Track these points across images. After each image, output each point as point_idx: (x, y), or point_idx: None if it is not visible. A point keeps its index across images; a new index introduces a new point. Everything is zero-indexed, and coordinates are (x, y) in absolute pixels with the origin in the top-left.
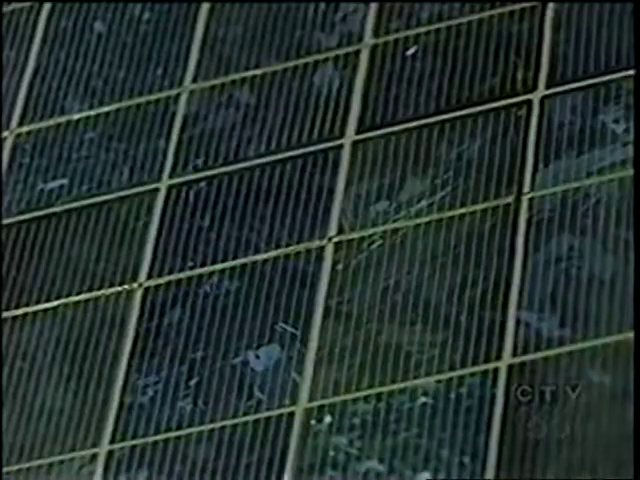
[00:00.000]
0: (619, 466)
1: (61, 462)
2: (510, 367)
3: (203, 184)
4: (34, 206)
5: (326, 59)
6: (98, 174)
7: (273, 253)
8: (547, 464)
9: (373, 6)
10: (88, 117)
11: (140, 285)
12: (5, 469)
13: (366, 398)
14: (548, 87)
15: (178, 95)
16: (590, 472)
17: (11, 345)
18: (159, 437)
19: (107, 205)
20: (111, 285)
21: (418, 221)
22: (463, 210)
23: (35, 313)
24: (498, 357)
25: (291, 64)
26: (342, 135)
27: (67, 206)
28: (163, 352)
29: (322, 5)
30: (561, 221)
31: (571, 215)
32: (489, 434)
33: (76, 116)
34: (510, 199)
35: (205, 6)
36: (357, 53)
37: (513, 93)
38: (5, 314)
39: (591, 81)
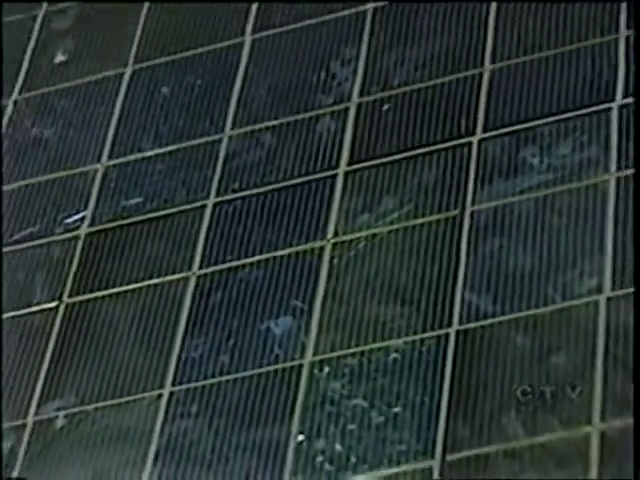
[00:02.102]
0: (538, 403)
1: (135, 400)
2: (457, 332)
3: (239, 202)
4: (118, 217)
5: (325, 113)
6: (164, 194)
7: (287, 251)
8: (485, 401)
9: (360, 76)
10: (157, 154)
11: (194, 273)
12: (97, 405)
13: (353, 354)
14: (484, 132)
15: (221, 139)
16: (515, 406)
17: (100, 317)
18: (206, 382)
19: (170, 217)
20: (172, 273)
21: (391, 228)
22: (422, 220)
23: (118, 294)
24: (449, 325)
25: (300, 117)
26: (337, 167)
27: (142, 217)
28: (209, 321)
29: (323, 74)
30: (494, 228)
31: (501, 224)
32: (443, 381)
33: (149, 153)
34: (457, 212)
35: (240, 76)
36: (347, 109)
37: (458, 136)
38: (97, 294)
39: (515, 127)
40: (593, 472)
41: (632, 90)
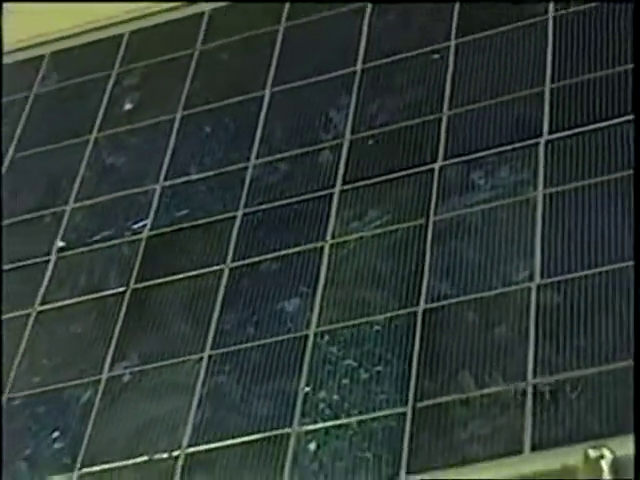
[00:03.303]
0: (485, 367)
1: (182, 361)
2: (424, 310)
3: (261, 213)
4: (171, 224)
5: (325, 147)
6: (206, 207)
7: (297, 249)
8: (445, 362)
9: (351, 119)
10: (200, 178)
11: (227, 266)
12: (154, 365)
13: (347, 327)
14: (443, 160)
15: (247, 167)
16: (474, 366)
17: (157, 299)
18: (236, 347)
19: (210, 224)
20: (211, 266)
21: (374, 232)
22: (398, 226)
23: (171, 281)
24: (417, 304)
25: (306, 150)
26: (334, 187)
27: (189, 224)
28: (238, 302)
29: (323, 118)
30: (451, 233)
31: (456, 230)
32: (413, 347)
33: (194, 177)
34: (423, 221)
35: (262, 120)
36: (341, 144)
37: (424, 164)
38: (155, 281)
39: (467, 157)
40: (528, 416)
41: (555, 127)
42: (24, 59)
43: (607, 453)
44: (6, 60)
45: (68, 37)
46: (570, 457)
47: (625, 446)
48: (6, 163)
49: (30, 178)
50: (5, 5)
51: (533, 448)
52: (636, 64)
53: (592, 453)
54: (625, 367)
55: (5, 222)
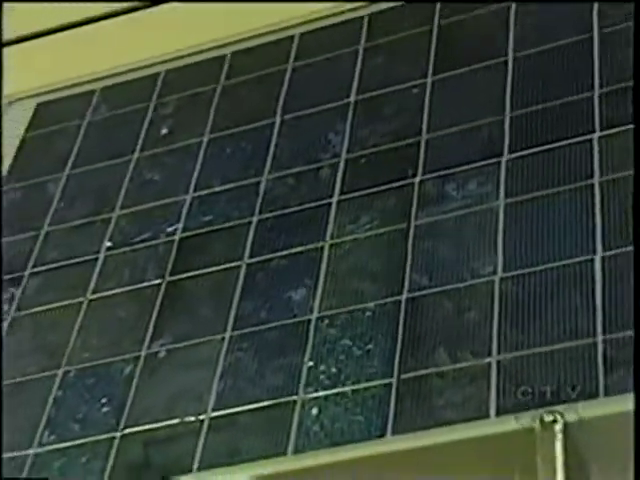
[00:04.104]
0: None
1: (208, 340)
2: (407, 299)
3: (272, 219)
4: (198, 228)
5: (324, 165)
6: (226, 214)
7: (301, 248)
8: (425, 342)
9: (346, 141)
10: (222, 189)
11: (244, 262)
12: (185, 343)
13: (343, 312)
14: (422, 175)
15: (260, 181)
16: (443, 346)
17: (187, 289)
18: (252, 329)
19: (230, 228)
20: (231, 262)
21: (365, 235)
22: (385, 229)
23: (199, 275)
24: (401, 294)
25: (310, 167)
26: (332, 197)
27: (213, 228)
28: (254, 292)
29: (323, 141)
30: (429, 235)
31: (433, 232)
32: (397, 329)
33: (217, 189)
34: (405, 225)
35: (273, 143)
36: (339, 162)
37: (406, 177)
38: (186, 275)
39: (442, 172)
40: (492, 387)
41: (514, 148)
42: (79, 93)
43: (559, 418)
44: (64, 94)
45: (115, 75)
46: (528, 421)
47: (574, 412)
48: (64, 178)
49: (83, 190)
50: (58, 47)
51: (497, 413)
52: (636, 72)
53: (547, 418)
54: (573, 346)
55: (62, 226)
